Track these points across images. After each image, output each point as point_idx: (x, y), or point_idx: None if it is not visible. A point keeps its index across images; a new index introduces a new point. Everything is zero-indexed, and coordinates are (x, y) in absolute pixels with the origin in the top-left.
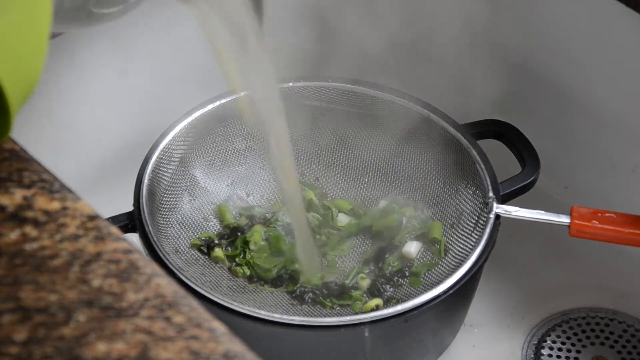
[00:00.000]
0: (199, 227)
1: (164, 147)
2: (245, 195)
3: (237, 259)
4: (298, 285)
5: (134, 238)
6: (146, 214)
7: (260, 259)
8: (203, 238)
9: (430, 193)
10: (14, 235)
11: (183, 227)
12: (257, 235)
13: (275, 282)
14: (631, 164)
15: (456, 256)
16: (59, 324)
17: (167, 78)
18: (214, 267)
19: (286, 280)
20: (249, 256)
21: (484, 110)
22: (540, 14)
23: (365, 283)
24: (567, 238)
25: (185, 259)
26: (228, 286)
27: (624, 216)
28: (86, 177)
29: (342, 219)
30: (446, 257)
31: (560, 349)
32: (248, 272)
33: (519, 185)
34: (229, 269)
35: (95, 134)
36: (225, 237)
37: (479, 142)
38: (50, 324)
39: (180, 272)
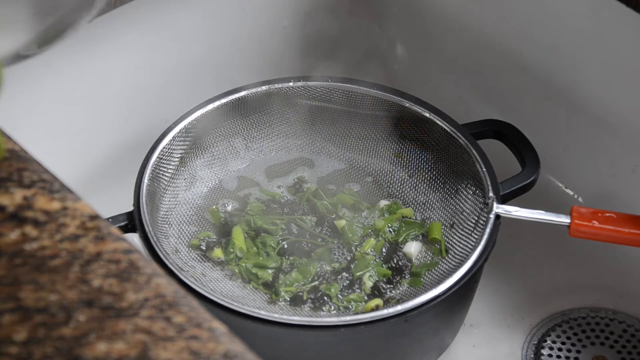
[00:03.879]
0: (198, 227)
1: (164, 147)
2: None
3: (230, 265)
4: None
5: (134, 238)
6: (146, 214)
7: (250, 264)
8: (202, 238)
9: (430, 193)
10: (14, 235)
11: (183, 227)
12: (239, 241)
13: (273, 283)
14: (631, 164)
15: (456, 256)
16: (59, 324)
17: (167, 78)
18: (214, 267)
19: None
20: (242, 264)
21: (484, 110)
22: (541, 14)
23: (370, 283)
24: (567, 238)
25: (185, 259)
26: (228, 286)
27: (624, 216)
28: (86, 177)
29: (347, 214)
30: (446, 257)
31: (560, 349)
32: (245, 275)
33: (519, 185)
34: (229, 268)
35: (95, 134)
36: (220, 237)
37: (479, 142)
38: (50, 324)
39: (180, 272)
